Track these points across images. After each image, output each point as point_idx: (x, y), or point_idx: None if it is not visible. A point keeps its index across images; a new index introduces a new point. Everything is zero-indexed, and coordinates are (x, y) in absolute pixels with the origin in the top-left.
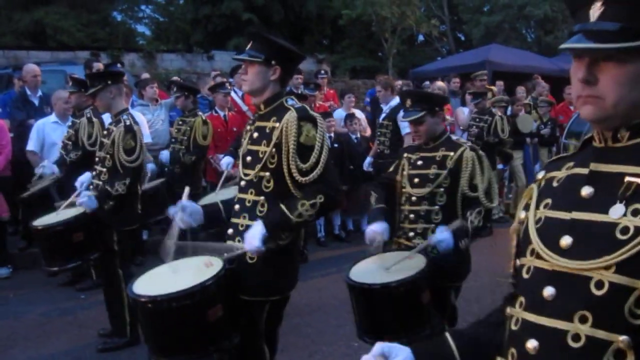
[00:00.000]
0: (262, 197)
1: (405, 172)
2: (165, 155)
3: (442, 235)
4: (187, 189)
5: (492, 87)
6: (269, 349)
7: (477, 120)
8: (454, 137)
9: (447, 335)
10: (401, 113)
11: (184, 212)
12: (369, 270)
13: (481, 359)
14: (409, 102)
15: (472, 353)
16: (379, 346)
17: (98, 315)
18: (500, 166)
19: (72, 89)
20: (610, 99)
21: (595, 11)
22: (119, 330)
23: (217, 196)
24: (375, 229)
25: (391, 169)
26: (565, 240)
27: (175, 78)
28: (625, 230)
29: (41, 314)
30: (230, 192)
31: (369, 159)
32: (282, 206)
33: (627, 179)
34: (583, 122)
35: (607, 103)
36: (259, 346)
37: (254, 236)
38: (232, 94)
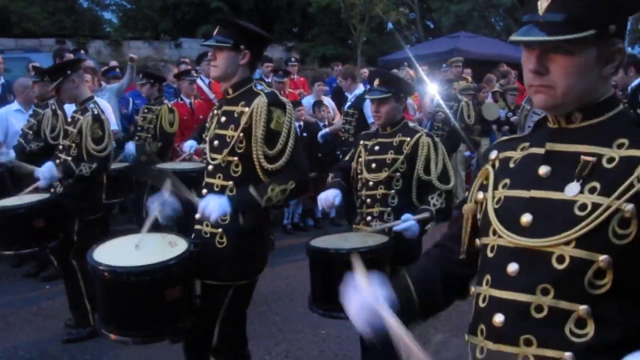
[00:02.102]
0: (230, 182)
1: (361, 159)
2: (129, 147)
3: (409, 224)
4: (168, 182)
5: (467, 77)
6: (237, 339)
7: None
8: (411, 124)
9: (404, 272)
10: (367, 100)
11: (164, 206)
12: (331, 241)
13: (431, 296)
14: (377, 82)
15: (425, 290)
16: (361, 278)
17: (62, 305)
18: (467, 153)
19: (35, 78)
20: (561, 88)
21: (543, 2)
22: (82, 320)
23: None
24: (328, 194)
25: (347, 157)
26: (526, 218)
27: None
28: (583, 206)
29: (4, 305)
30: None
31: (325, 131)
32: (252, 189)
33: (583, 157)
34: None
35: (557, 92)
36: (210, 332)
37: (215, 209)
38: (199, 81)
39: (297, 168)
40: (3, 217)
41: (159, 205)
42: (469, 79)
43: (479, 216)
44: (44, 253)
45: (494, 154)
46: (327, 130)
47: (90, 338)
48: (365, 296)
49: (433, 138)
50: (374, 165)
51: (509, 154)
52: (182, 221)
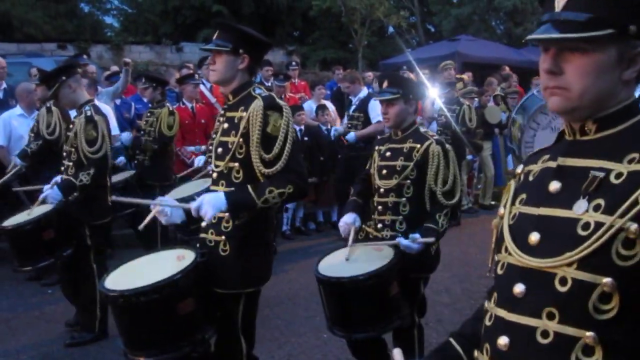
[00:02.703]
0: (232, 189)
1: (375, 164)
2: (125, 136)
3: (414, 245)
4: (173, 192)
5: (464, 76)
6: (245, 342)
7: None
8: (422, 129)
9: (451, 339)
10: (371, 101)
11: (168, 213)
12: (338, 263)
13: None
14: (385, 84)
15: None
16: None
17: (65, 310)
18: (470, 157)
19: (38, 81)
20: (576, 89)
21: (560, 1)
22: (88, 325)
23: (185, 190)
24: (346, 221)
25: (368, 164)
26: (534, 237)
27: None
28: (586, 226)
29: (7, 309)
30: (199, 184)
31: (339, 129)
32: (250, 189)
33: (592, 173)
34: (532, 102)
35: (573, 94)
36: (236, 340)
37: (212, 207)
38: (200, 85)
39: (296, 172)
40: (13, 234)
41: (163, 211)
42: (466, 77)
43: (497, 232)
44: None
45: (519, 168)
46: (340, 128)
47: (92, 342)
48: None
49: (444, 146)
50: (384, 171)
51: (531, 167)
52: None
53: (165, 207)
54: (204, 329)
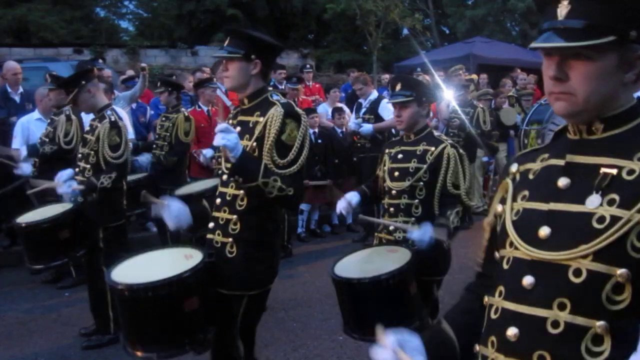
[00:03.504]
0: (241, 191)
1: (385, 167)
2: (142, 159)
3: (425, 237)
4: (177, 192)
5: (474, 76)
6: (246, 345)
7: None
8: (436, 133)
9: (445, 324)
10: (382, 103)
11: (174, 214)
12: (354, 265)
13: (467, 345)
14: (399, 86)
15: (463, 340)
16: (392, 337)
17: (82, 313)
18: (485, 159)
19: (52, 86)
20: (581, 95)
21: (562, 9)
22: (103, 327)
23: (193, 187)
24: (346, 196)
25: (378, 168)
26: (544, 231)
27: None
28: (601, 219)
29: (24, 312)
30: (206, 182)
31: (369, 128)
32: (262, 164)
33: (603, 170)
34: (542, 111)
35: (578, 99)
36: (233, 341)
37: (230, 142)
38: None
39: (299, 181)
40: (29, 232)
41: (169, 214)
42: (474, 76)
43: (498, 229)
44: (72, 263)
45: (514, 167)
46: (357, 123)
47: (109, 345)
48: None
49: (458, 149)
50: (396, 173)
51: (529, 166)
52: (194, 219)
53: (170, 205)
54: (205, 329)
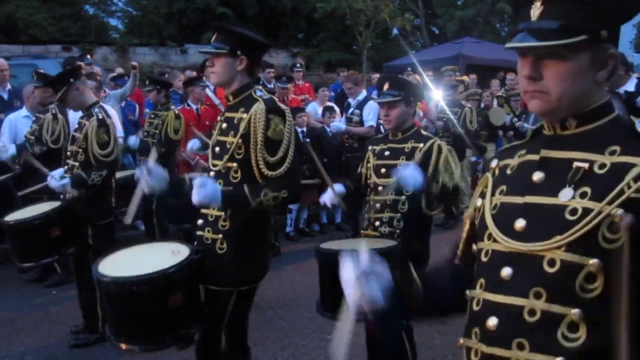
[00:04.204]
0: (230, 188)
1: (370, 164)
2: (133, 140)
3: (409, 169)
4: (153, 151)
5: (465, 78)
6: (237, 340)
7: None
8: (423, 132)
9: (413, 270)
10: (368, 104)
11: (149, 175)
12: (340, 245)
13: (441, 297)
14: (387, 86)
15: (434, 290)
16: (366, 259)
17: (69, 311)
18: (473, 158)
19: (37, 83)
20: (555, 93)
21: (535, 10)
22: (92, 325)
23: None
24: (334, 187)
25: (361, 165)
26: (520, 223)
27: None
28: (574, 211)
29: (12, 310)
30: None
31: (341, 126)
32: (246, 188)
33: (576, 164)
34: None
35: (552, 97)
36: (217, 336)
37: (205, 196)
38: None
39: (291, 179)
40: (20, 229)
41: (144, 174)
42: (466, 78)
43: (476, 222)
44: (62, 260)
45: (494, 163)
46: (343, 126)
47: (97, 343)
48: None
49: (447, 146)
50: (383, 170)
51: (507, 161)
52: (178, 211)
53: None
54: (189, 325)
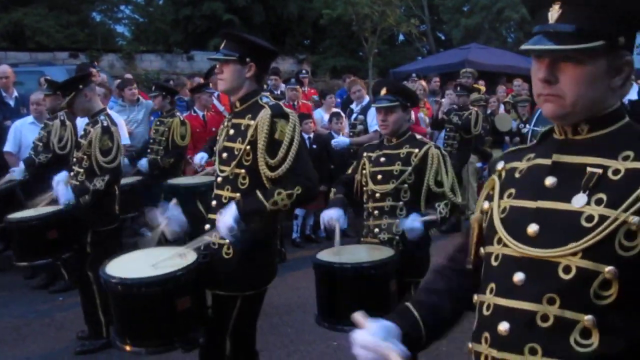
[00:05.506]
0: (238, 194)
1: (365, 171)
2: (143, 163)
3: (415, 224)
4: (174, 201)
5: (481, 87)
6: (243, 346)
7: (455, 114)
8: (417, 136)
9: (409, 305)
10: (372, 110)
11: (170, 223)
12: (337, 253)
13: (439, 324)
14: (383, 91)
15: (433, 320)
16: (372, 323)
17: (76, 317)
18: (479, 164)
19: (47, 91)
20: (570, 97)
21: (553, 13)
22: (95, 332)
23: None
24: (331, 214)
25: (350, 170)
26: (532, 228)
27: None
28: (590, 218)
29: (18, 317)
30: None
31: (344, 141)
32: (258, 193)
33: (589, 169)
34: None
35: (566, 101)
36: (221, 341)
37: (227, 216)
38: None
39: (302, 175)
40: (18, 229)
41: (165, 220)
42: (483, 88)
43: (484, 225)
44: (56, 265)
45: (500, 165)
46: (347, 140)
47: (102, 350)
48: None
49: (441, 150)
50: (379, 176)
51: (514, 164)
52: (191, 233)
53: (170, 218)
54: (196, 329)
